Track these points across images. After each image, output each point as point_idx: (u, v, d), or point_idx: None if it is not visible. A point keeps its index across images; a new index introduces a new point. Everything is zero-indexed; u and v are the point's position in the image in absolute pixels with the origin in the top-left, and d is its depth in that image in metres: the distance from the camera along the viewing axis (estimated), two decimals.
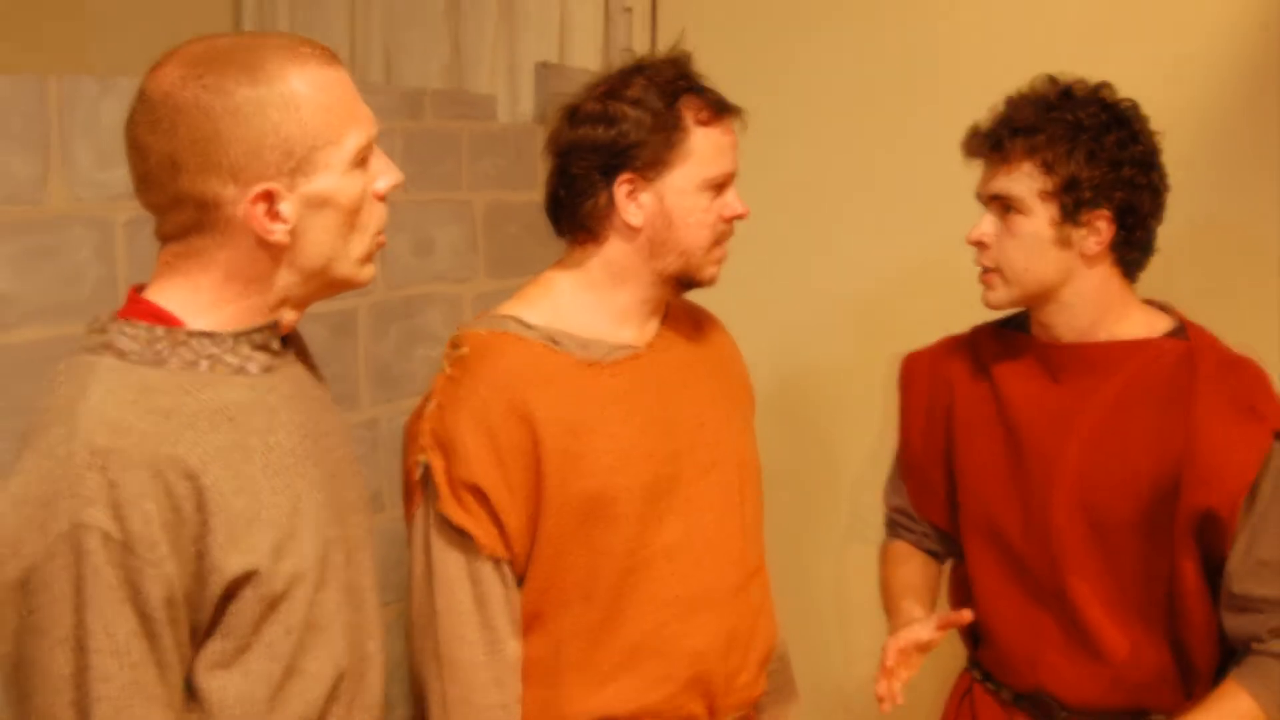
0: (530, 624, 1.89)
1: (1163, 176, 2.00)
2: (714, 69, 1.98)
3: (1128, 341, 2.01)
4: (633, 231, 1.92)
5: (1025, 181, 1.96)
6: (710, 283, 1.98)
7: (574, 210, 1.94)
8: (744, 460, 2.06)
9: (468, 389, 1.85)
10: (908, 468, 2.25)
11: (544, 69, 2.88)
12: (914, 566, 2.23)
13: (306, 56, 1.48)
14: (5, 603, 1.37)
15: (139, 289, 1.53)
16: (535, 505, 1.86)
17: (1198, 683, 1.97)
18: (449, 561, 1.84)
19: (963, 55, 2.76)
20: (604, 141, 1.89)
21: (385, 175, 1.56)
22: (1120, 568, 1.97)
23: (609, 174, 1.90)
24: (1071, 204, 1.95)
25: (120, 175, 1.96)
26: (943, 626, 1.96)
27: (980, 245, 2.03)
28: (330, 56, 1.51)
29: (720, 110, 1.92)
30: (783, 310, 2.98)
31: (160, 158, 1.44)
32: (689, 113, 1.90)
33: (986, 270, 2.03)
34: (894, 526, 2.30)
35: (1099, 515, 1.98)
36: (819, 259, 2.95)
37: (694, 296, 2.07)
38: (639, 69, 1.94)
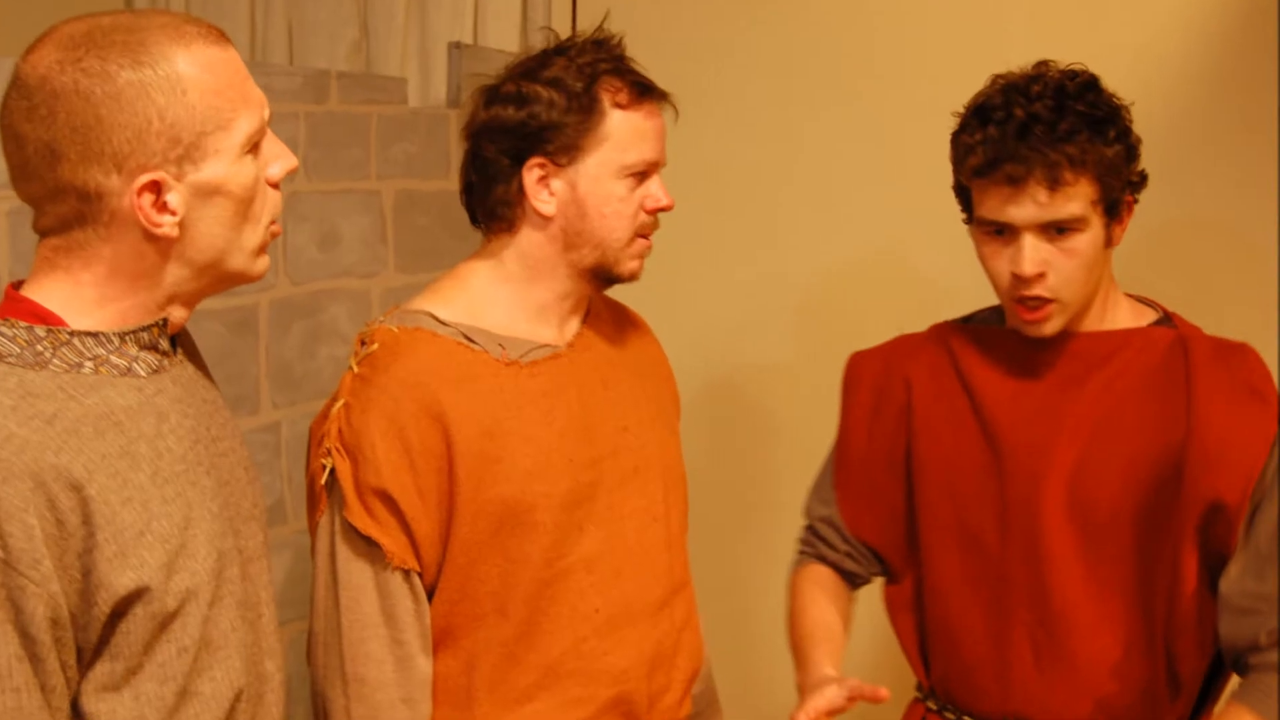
0: (441, 639, 1.81)
1: None
2: (640, 54, 1.90)
3: (1116, 331, 1.95)
4: (544, 220, 1.85)
5: (1082, 198, 1.85)
6: (631, 278, 1.90)
7: (485, 197, 1.87)
8: (668, 467, 1.99)
9: (377, 388, 1.77)
10: (844, 476, 2.13)
11: (457, 50, 2.79)
12: (829, 603, 2.08)
13: (193, 36, 1.41)
14: None
15: (16, 286, 1.46)
16: (448, 512, 1.78)
17: (1181, 699, 1.90)
18: (355, 572, 1.76)
19: (908, 41, 2.69)
20: (514, 123, 1.82)
21: (278, 161, 1.49)
22: (1111, 570, 1.90)
23: (519, 158, 1.83)
24: (1114, 201, 1.88)
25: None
26: (854, 698, 1.82)
27: (1040, 278, 1.87)
28: (218, 35, 1.44)
29: (642, 93, 1.85)
30: (718, 309, 2.91)
31: (38, 146, 1.38)
32: (607, 95, 1.82)
33: (1042, 303, 1.89)
34: (812, 542, 2.16)
35: (1092, 513, 1.91)
36: (757, 255, 2.88)
37: (621, 294, 1.99)
38: (561, 49, 1.86)
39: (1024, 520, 1.94)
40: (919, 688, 2.12)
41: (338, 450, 1.76)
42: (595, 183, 1.83)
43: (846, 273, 2.80)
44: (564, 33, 1.92)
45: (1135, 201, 1.93)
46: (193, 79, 1.39)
